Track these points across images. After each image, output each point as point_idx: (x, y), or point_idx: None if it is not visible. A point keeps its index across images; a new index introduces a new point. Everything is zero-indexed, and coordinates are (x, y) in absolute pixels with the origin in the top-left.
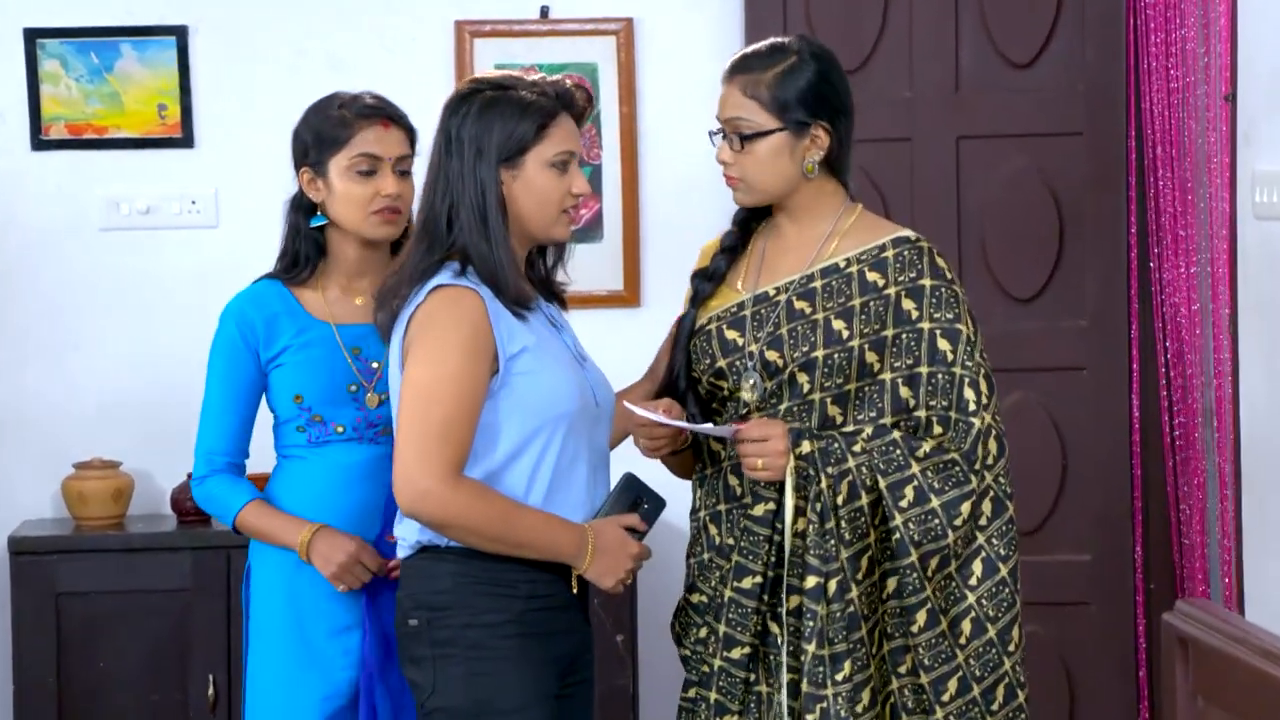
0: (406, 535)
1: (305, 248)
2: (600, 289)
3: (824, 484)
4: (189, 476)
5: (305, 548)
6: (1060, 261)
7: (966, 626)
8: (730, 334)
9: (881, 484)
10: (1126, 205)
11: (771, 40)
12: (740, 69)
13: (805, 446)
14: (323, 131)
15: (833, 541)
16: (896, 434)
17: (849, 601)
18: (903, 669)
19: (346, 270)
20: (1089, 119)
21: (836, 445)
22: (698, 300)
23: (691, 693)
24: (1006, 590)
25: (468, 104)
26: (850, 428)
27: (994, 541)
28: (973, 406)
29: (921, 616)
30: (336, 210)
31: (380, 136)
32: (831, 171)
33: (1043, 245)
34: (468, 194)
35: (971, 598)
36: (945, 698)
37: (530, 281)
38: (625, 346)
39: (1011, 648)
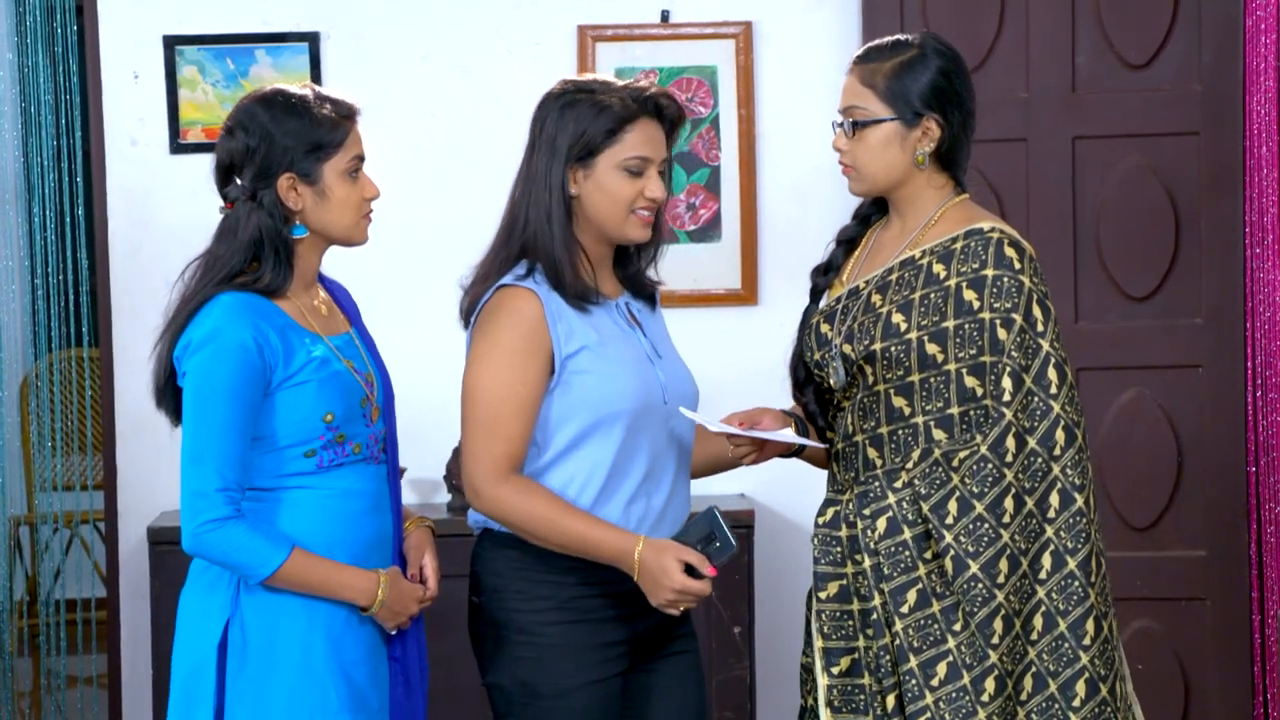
0: (474, 517)
1: (285, 256)
2: (718, 288)
3: (859, 528)
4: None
5: (380, 603)
6: (1176, 260)
7: (1038, 622)
8: (824, 328)
9: (925, 509)
10: (1242, 204)
11: (898, 35)
12: (862, 59)
13: (828, 513)
14: (315, 136)
15: (868, 581)
16: (938, 452)
17: (894, 635)
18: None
19: (305, 280)
20: (1205, 119)
21: (876, 485)
22: (816, 293)
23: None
24: (1076, 584)
25: (554, 103)
26: (921, 455)
27: (1061, 534)
28: (1007, 398)
29: (999, 625)
30: (330, 217)
31: (359, 136)
32: (943, 165)
33: (1158, 244)
34: (541, 189)
35: (1041, 592)
36: (1023, 696)
37: (620, 279)
38: (742, 344)
39: (1087, 641)
